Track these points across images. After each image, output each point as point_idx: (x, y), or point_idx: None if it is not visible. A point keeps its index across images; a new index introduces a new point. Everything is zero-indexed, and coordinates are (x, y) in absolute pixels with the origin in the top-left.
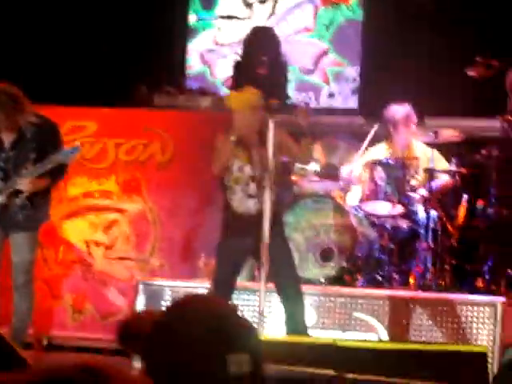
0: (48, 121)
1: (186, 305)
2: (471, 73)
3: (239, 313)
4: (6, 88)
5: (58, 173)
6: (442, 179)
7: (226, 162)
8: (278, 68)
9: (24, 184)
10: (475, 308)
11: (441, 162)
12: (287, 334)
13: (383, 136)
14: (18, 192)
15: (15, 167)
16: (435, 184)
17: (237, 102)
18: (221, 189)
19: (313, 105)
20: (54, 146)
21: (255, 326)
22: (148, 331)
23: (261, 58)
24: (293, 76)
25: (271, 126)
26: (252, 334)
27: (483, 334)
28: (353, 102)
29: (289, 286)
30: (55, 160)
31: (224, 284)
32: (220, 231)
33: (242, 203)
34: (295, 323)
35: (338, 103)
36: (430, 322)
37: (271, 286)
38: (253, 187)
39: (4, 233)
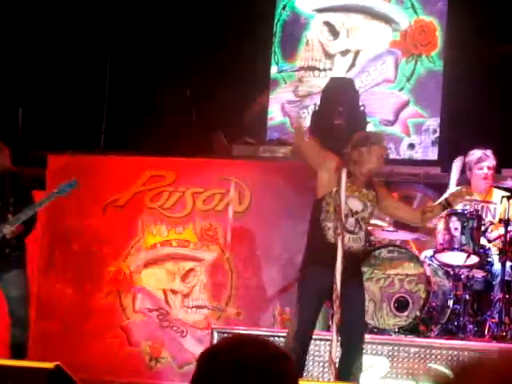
0: (21, 171)
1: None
2: None
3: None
4: None
5: (32, 223)
6: None
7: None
8: (356, 119)
9: (8, 229)
10: None
11: None
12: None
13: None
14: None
15: None
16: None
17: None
18: (314, 211)
19: (393, 156)
20: (27, 193)
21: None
22: None
23: (338, 108)
24: (373, 127)
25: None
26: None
27: None
28: (433, 154)
29: (354, 338)
30: (35, 207)
31: (308, 323)
32: (304, 258)
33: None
34: (348, 373)
35: (418, 155)
36: None
37: None
38: (351, 222)
39: None
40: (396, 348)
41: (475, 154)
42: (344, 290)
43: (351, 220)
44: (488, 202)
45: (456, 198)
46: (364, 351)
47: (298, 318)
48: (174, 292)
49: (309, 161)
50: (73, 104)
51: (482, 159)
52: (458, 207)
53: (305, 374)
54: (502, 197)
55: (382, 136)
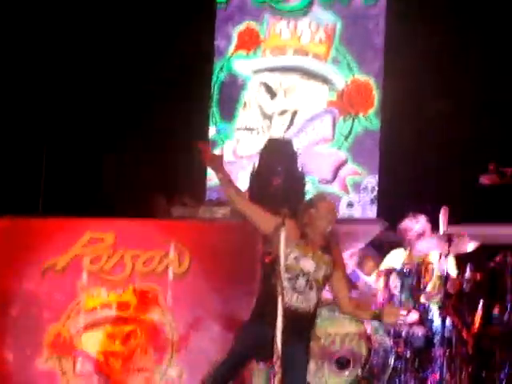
0: None
1: None
2: (485, 181)
3: None
4: None
5: None
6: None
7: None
8: (294, 178)
9: None
10: None
11: (455, 269)
12: None
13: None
14: None
15: None
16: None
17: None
18: (266, 271)
19: None
20: None
21: None
22: None
23: (276, 168)
24: (312, 187)
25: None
26: None
27: None
28: (372, 212)
29: None
30: None
31: (230, 367)
32: (252, 312)
33: (285, 294)
34: None
35: (357, 213)
36: None
37: None
38: (301, 282)
39: None
40: None
41: (414, 228)
42: (286, 349)
43: (301, 280)
44: (427, 266)
45: None
46: None
47: (225, 356)
48: (114, 355)
49: (255, 224)
50: (11, 167)
51: (424, 233)
52: (398, 266)
53: None
54: (440, 254)
55: (323, 194)
